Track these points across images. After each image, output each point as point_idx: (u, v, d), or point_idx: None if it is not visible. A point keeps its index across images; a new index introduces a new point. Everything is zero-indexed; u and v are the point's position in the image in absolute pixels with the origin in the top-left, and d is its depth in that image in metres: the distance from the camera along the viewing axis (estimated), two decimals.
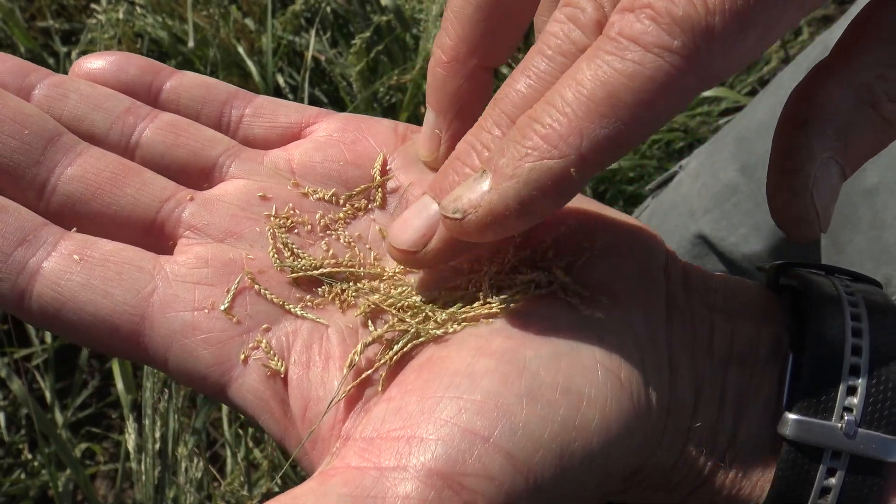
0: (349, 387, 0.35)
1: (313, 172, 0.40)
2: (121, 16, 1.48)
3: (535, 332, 0.34)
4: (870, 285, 0.39)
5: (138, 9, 1.55)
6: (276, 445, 1.12)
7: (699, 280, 0.39)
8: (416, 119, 1.39)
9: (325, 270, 0.38)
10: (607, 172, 1.49)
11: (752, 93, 1.63)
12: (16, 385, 1.16)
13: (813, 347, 0.35)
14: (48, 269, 0.35)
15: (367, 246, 0.40)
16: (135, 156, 0.39)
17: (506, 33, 0.38)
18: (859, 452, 0.34)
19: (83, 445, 1.27)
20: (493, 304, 0.36)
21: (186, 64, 1.46)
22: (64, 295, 0.35)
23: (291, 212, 0.39)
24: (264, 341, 0.36)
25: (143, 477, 1.09)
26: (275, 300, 0.37)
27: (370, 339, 0.36)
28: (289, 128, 0.42)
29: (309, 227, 0.39)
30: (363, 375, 0.35)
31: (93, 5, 1.62)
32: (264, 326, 0.36)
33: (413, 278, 0.39)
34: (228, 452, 1.20)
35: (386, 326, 0.36)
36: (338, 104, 1.49)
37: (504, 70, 1.48)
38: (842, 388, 0.34)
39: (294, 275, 0.38)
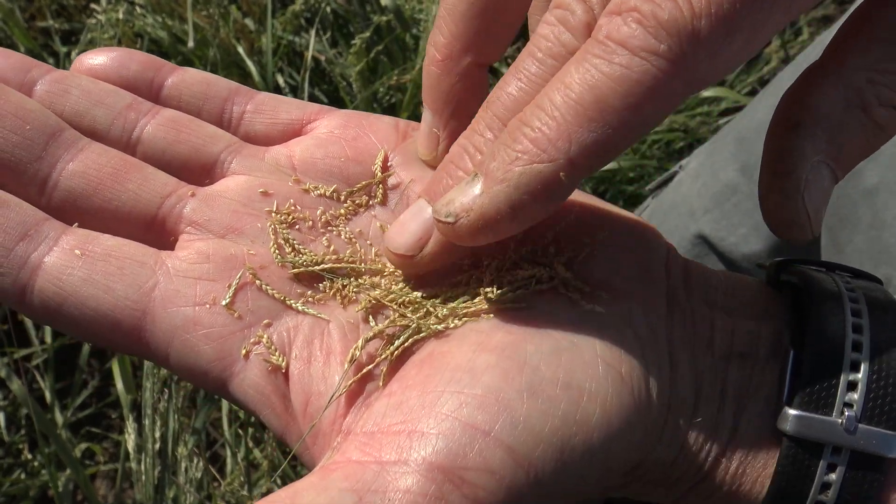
0: (350, 382, 0.35)
1: (314, 169, 0.40)
2: (121, 16, 1.48)
3: (536, 328, 0.34)
4: (870, 282, 0.39)
5: (138, 9, 1.55)
6: (276, 445, 1.12)
7: (700, 277, 0.39)
8: (417, 118, 1.39)
9: (326, 266, 0.38)
10: (607, 172, 1.49)
11: (752, 93, 1.63)
12: (16, 385, 1.16)
13: (813, 343, 0.35)
14: (50, 263, 0.35)
15: (368, 242, 0.40)
16: (136, 152, 0.39)
17: (499, 30, 0.38)
18: (860, 448, 0.34)
19: (83, 445, 1.27)
20: (494, 300, 0.36)
21: (186, 64, 1.45)
22: (65, 290, 0.35)
23: (293, 208, 0.39)
24: (265, 336, 0.36)
25: (143, 477, 1.09)
26: (276, 295, 0.37)
27: (371, 334, 0.36)
28: (290, 124, 0.42)
29: (310, 223, 0.39)
30: (364, 370, 0.35)
31: (93, 5, 1.62)
32: (265, 322, 0.36)
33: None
34: (228, 452, 1.20)
35: (387, 322, 0.36)
36: (338, 104, 1.48)
37: (503, 69, 1.48)
38: (842, 384, 0.34)
39: (295, 270, 0.38)
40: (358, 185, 0.41)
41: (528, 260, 0.37)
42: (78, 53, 1.46)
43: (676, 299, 0.37)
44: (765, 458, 0.35)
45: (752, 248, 0.93)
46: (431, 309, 0.36)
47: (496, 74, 1.51)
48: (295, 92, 1.49)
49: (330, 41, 1.54)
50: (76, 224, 0.37)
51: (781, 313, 0.38)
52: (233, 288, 0.36)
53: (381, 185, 0.41)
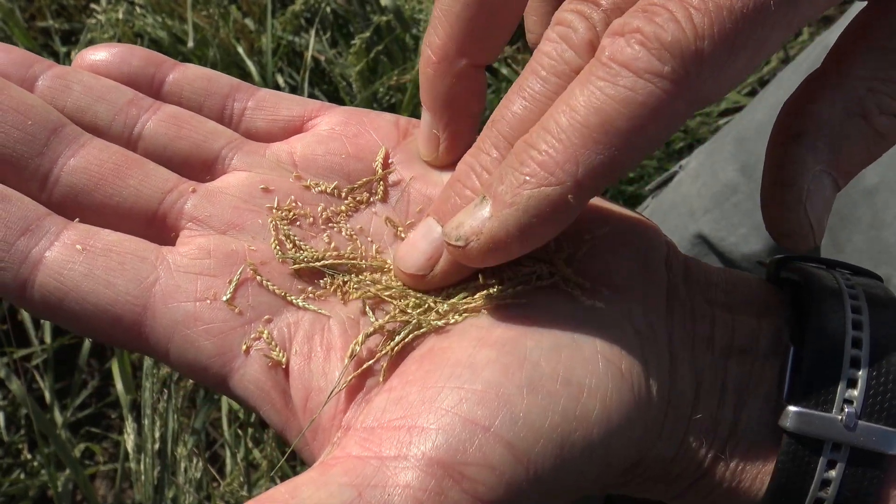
0: (350, 377, 0.35)
1: (315, 165, 0.40)
2: (120, 16, 1.48)
3: (536, 323, 0.34)
4: (870, 279, 0.39)
5: (138, 9, 1.55)
6: (276, 445, 1.12)
7: (700, 273, 0.39)
8: (417, 118, 1.39)
9: (327, 262, 0.38)
10: None
11: (752, 93, 1.63)
12: (15, 385, 1.16)
13: (813, 340, 0.35)
14: (51, 258, 0.35)
15: (369, 239, 0.40)
16: (137, 147, 0.39)
17: (494, 31, 0.38)
18: (860, 445, 0.34)
19: (82, 445, 1.27)
20: (495, 295, 0.36)
21: None
22: (66, 285, 0.35)
23: (293, 204, 0.39)
24: (266, 332, 0.36)
25: (143, 477, 1.09)
26: (277, 291, 0.37)
27: (371, 329, 0.36)
28: (291, 121, 0.42)
29: (311, 219, 0.39)
30: (364, 366, 0.35)
31: (92, 5, 1.62)
32: (266, 317, 0.36)
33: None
34: (228, 453, 1.20)
35: (387, 317, 0.36)
36: (337, 104, 1.49)
37: (504, 70, 1.48)
38: (842, 381, 0.34)
39: (296, 266, 0.38)
40: (359, 182, 0.41)
41: (528, 256, 0.37)
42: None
43: (677, 296, 0.37)
44: (765, 454, 0.35)
45: (752, 248, 0.93)
46: (432, 304, 0.36)
47: (495, 74, 1.51)
48: (294, 92, 1.49)
49: (330, 41, 1.54)
50: (77, 219, 0.37)
51: (781, 310, 0.38)
52: (233, 283, 0.36)
53: (381, 182, 0.41)
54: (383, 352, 0.35)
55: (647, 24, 0.29)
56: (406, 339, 0.36)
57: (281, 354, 0.36)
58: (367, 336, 0.36)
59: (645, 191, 1.19)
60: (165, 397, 1.11)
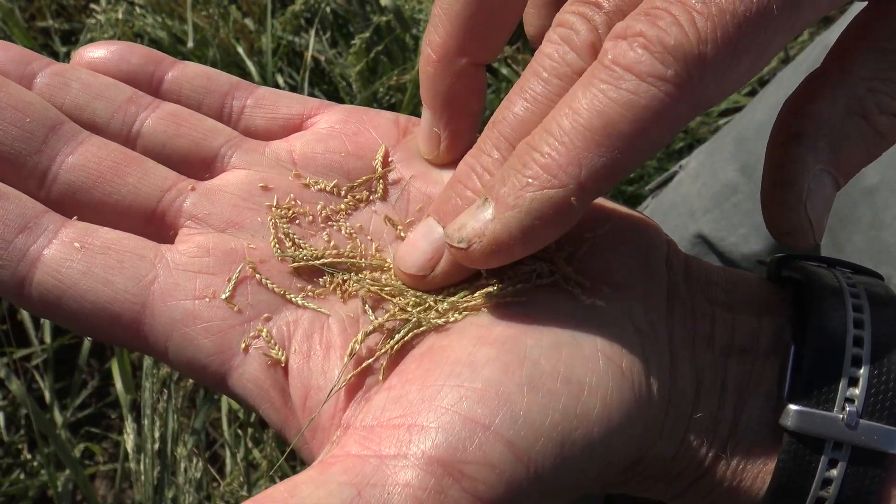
0: (350, 375, 0.35)
1: (315, 163, 0.40)
2: (120, 16, 1.48)
3: (537, 322, 0.34)
4: (871, 277, 0.39)
5: (138, 9, 1.55)
6: (276, 445, 1.11)
7: (700, 272, 0.39)
8: (416, 117, 1.39)
9: (326, 260, 0.38)
10: None
11: (752, 93, 1.63)
12: (15, 385, 1.16)
13: (814, 338, 0.35)
14: (49, 256, 0.35)
15: (369, 237, 0.40)
16: (136, 145, 0.39)
17: (494, 30, 0.38)
18: (861, 444, 0.33)
19: (82, 445, 1.27)
20: (494, 294, 0.36)
21: None
22: (65, 283, 0.34)
23: (293, 202, 0.39)
24: (265, 330, 0.36)
25: (143, 477, 1.09)
26: (276, 290, 0.37)
27: (371, 327, 0.36)
28: (290, 119, 0.42)
29: (310, 217, 0.39)
30: (364, 364, 0.35)
31: (92, 5, 1.62)
32: (265, 316, 0.36)
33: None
34: (228, 453, 1.19)
35: (387, 315, 0.36)
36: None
37: (504, 70, 1.48)
38: (843, 379, 0.34)
39: (295, 264, 0.38)
40: (358, 181, 0.41)
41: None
42: None
43: (677, 294, 0.37)
44: (765, 453, 0.35)
45: (752, 247, 0.93)
46: (432, 303, 0.36)
47: (495, 74, 1.51)
48: (294, 92, 1.48)
49: (330, 41, 1.54)
50: (76, 217, 0.36)
51: (782, 309, 0.38)
52: (232, 282, 0.36)
53: (381, 181, 0.41)
54: (383, 350, 0.35)
55: (651, 28, 0.29)
56: (406, 338, 0.36)
57: (280, 353, 0.35)
58: (367, 334, 0.36)
59: (645, 191, 1.19)
60: (165, 397, 1.11)
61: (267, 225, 0.38)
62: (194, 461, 1.12)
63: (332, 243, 0.39)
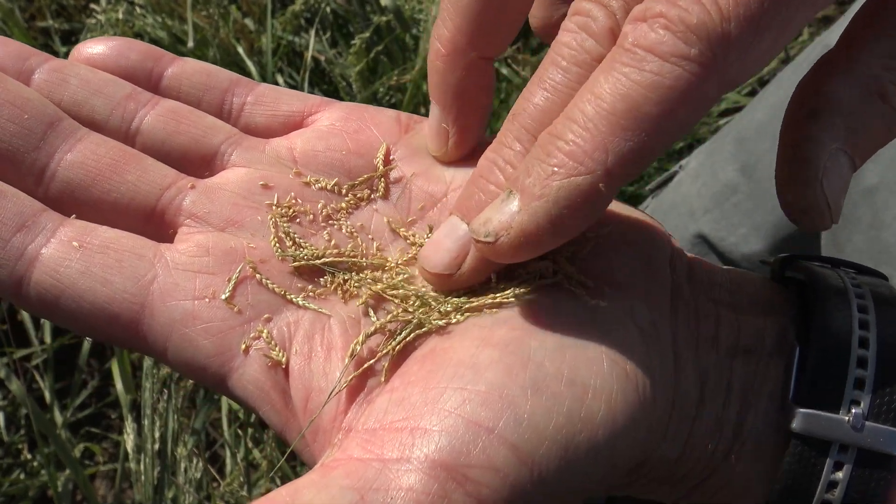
0: (351, 377, 0.34)
1: (315, 161, 0.40)
2: (120, 16, 1.48)
3: (540, 323, 0.34)
4: (875, 278, 0.38)
5: (138, 9, 1.55)
6: (276, 445, 1.11)
7: (704, 273, 0.39)
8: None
9: (327, 260, 0.38)
10: None
11: (752, 93, 1.63)
12: (15, 385, 1.15)
13: (819, 339, 0.34)
14: (47, 255, 0.34)
15: (370, 236, 0.39)
16: (135, 142, 0.39)
17: (503, 23, 0.38)
18: (867, 446, 0.33)
19: (82, 445, 1.27)
20: (497, 295, 0.35)
21: None
22: (63, 282, 0.34)
23: (293, 201, 0.39)
24: (265, 331, 0.35)
25: (143, 477, 1.08)
26: (276, 290, 0.37)
27: (372, 329, 0.35)
28: (291, 116, 0.42)
29: (311, 216, 0.39)
30: (365, 365, 0.35)
31: (92, 5, 1.61)
32: (266, 316, 0.36)
33: (417, 269, 0.38)
34: (228, 453, 1.19)
35: (389, 316, 0.36)
36: None
37: (504, 70, 1.48)
38: (849, 381, 0.34)
39: (296, 264, 0.37)
40: (360, 179, 0.40)
41: None
42: None
43: (680, 295, 0.37)
44: (770, 455, 0.35)
45: (752, 247, 0.93)
46: (434, 304, 0.36)
47: (496, 74, 1.51)
48: None
49: (330, 41, 1.54)
50: (74, 215, 0.36)
51: (786, 309, 0.37)
52: (232, 282, 0.36)
53: (382, 179, 0.40)
54: (384, 351, 0.35)
55: (671, 8, 0.28)
56: (407, 339, 0.35)
57: (281, 354, 0.35)
58: (368, 336, 0.35)
59: (645, 191, 1.19)
60: (165, 397, 1.11)
61: (267, 224, 0.38)
62: (194, 461, 1.12)
63: (332, 242, 0.39)
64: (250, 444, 1.17)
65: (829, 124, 0.34)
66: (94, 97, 0.39)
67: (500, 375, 0.32)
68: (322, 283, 0.38)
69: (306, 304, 0.37)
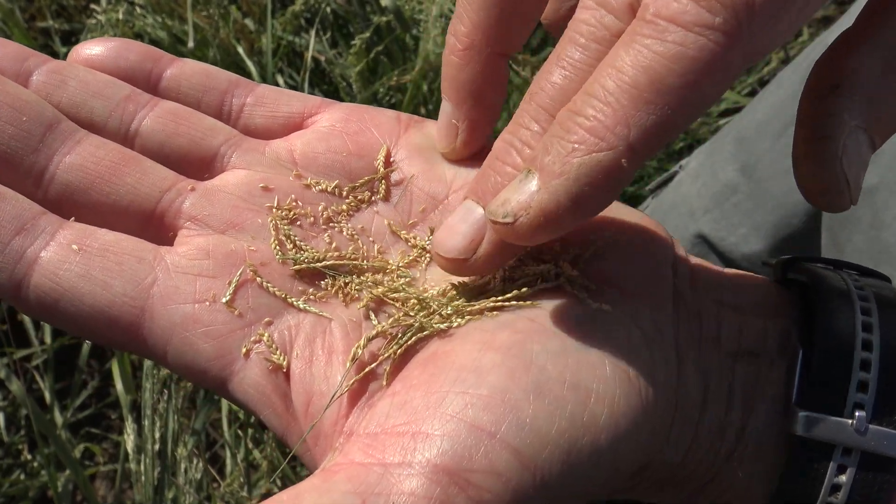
0: (352, 381, 0.34)
1: (316, 163, 0.40)
2: (120, 16, 1.48)
3: (542, 327, 0.34)
4: (878, 280, 0.38)
5: (138, 9, 1.55)
6: (276, 446, 1.11)
7: (706, 276, 0.39)
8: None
9: (328, 263, 0.38)
10: None
11: (752, 93, 1.62)
12: (15, 386, 1.15)
13: (822, 342, 0.34)
14: (46, 258, 0.34)
15: (371, 239, 0.39)
16: (134, 144, 0.39)
17: (520, 20, 0.37)
18: (870, 449, 0.33)
19: (82, 446, 1.27)
20: (498, 298, 0.35)
21: None
22: (62, 285, 0.34)
23: (294, 203, 0.39)
24: (266, 335, 0.35)
25: (143, 477, 1.08)
26: (277, 293, 0.36)
27: (374, 332, 0.35)
28: (291, 117, 0.41)
29: (311, 219, 0.39)
30: (367, 369, 0.35)
31: (92, 6, 1.61)
32: (266, 320, 0.36)
33: (418, 272, 0.38)
34: (228, 453, 1.19)
35: (390, 320, 0.36)
36: None
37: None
38: (852, 384, 0.34)
39: (297, 267, 0.37)
40: (360, 181, 0.40)
41: (532, 258, 0.37)
42: None
43: (683, 297, 0.37)
44: (773, 458, 0.35)
45: (752, 248, 0.93)
46: (435, 307, 0.36)
47: None
48: None
49: (330, 41, 1.54)
50: (73, 218, 0.36)
51: (789, 311, 0.37)
52: (233, 285, 0.36)
53: (383, 181, 0.40)
54: (386, 355, 0.35)
55: None
56: (409, 343, 0.35)
57: (281, 358, 0.35)
58: (370, 339, 0.35)
59: (645, 191, 1.19)
60: (165, 398, 1.11)
61: (267, 226, 0.38)
62: (194, 462, 1.12)
63: (333, 245, 0.39)
64: (250, 445, 1.17)
65: (848, 99, 0.33)
66: (93, 99, 0.38)
67: (502, 379, 0.31)
68: (323, 286, 0.37)
69: (307, 308, 0.36)
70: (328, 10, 1.54)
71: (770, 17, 0.28)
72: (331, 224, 0.39)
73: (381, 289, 0.37)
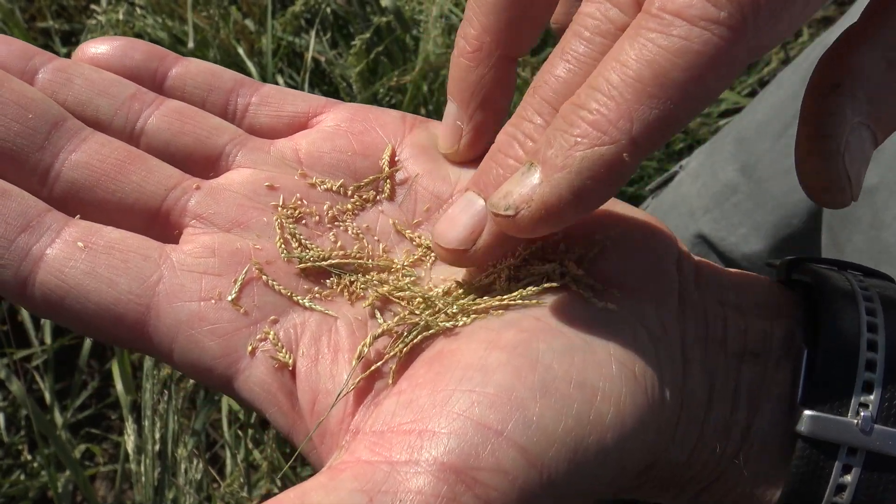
0: (358, 379, 0.34)
1: (321, 163, 0.40)
2: (121, 16, 1.48)
3: (548, 325, 0.34)
4: (882, 280, 0.38)
5: (138, 10, 1.55)
6: (276, 446, 1.11)
7: (711, 275, 0.39)
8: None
9: (333, 261, 0.38)
10: None
11: (752, 94, 1.63)
12: (15, 386, 1.15)
13: (827, 342, 0.34)
14: (52, 256, 0.34)
15: (376, 238, 0.39)
16: (140, 143, 0.39)
17: (530, 23, 0.37)
18: (876, 449, 0.33)
19: (82, 446, 1.27)
20: (504, 297, 0.35)
21: None
22: (68, 283, 0.34)
23: (299, 202, 0.39)
24: (272, 333, 0.35)
25: (143, 478, 1.08)
26: (283, 291, 0.36)
27: (380, 331, 0.35)
28: (295, 117, 0.41)
29: (317, 217, 0.39)
30: (373, 367, 0.35)
31: (93, 6, 1.61)
32: (272, 318, 0.36)
33: (423, 271, 0.38)
34: (228, 454, 1.19)
35: (396, 318, 0.36)
36: None
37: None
38: (857, 384, 0.34)
39: (302, 265, 0.37)
40: (365, 180, 0.40)
41: (537, 257, 0.37)
42: None
43: (688, 297, 0.37)
44: (779, 458, 0.35)
45: (752, 247, 0.93)
46: (441, 306, 0.36)
47: None
48: None
49: (330, 42, 1.54)
50: (78, 216, 0.36)
51: (793, 312, 0.37)
52: (239, 283, 0.36)
53: (388, 180, 0.40)
54: (391, 353, 0.35)
55: None
56: (415, 341, 0.35)
57: (287, 356, 0.35)
58: (376, 338, 0.35)
59: (645, 191, 1.19)
60: (166, 398, 1.10)
61: (273, 225, 0.38)
62: (195, 462, 1.12)
63: (338, 244, 0.39)
64: (250, 445, 1.17)
65: (851, 96, 0.33)
66: (99, 97, 0.38)
67: (508, 378, 0.31)
68: (328, 284, 0.37)
69: (313, 306, 0.36)
70: (328, 10, 1.54)
71: (774, 13, 0.28)
72: (336, 223, 0.39)
73: (386, 287, 0.37)
